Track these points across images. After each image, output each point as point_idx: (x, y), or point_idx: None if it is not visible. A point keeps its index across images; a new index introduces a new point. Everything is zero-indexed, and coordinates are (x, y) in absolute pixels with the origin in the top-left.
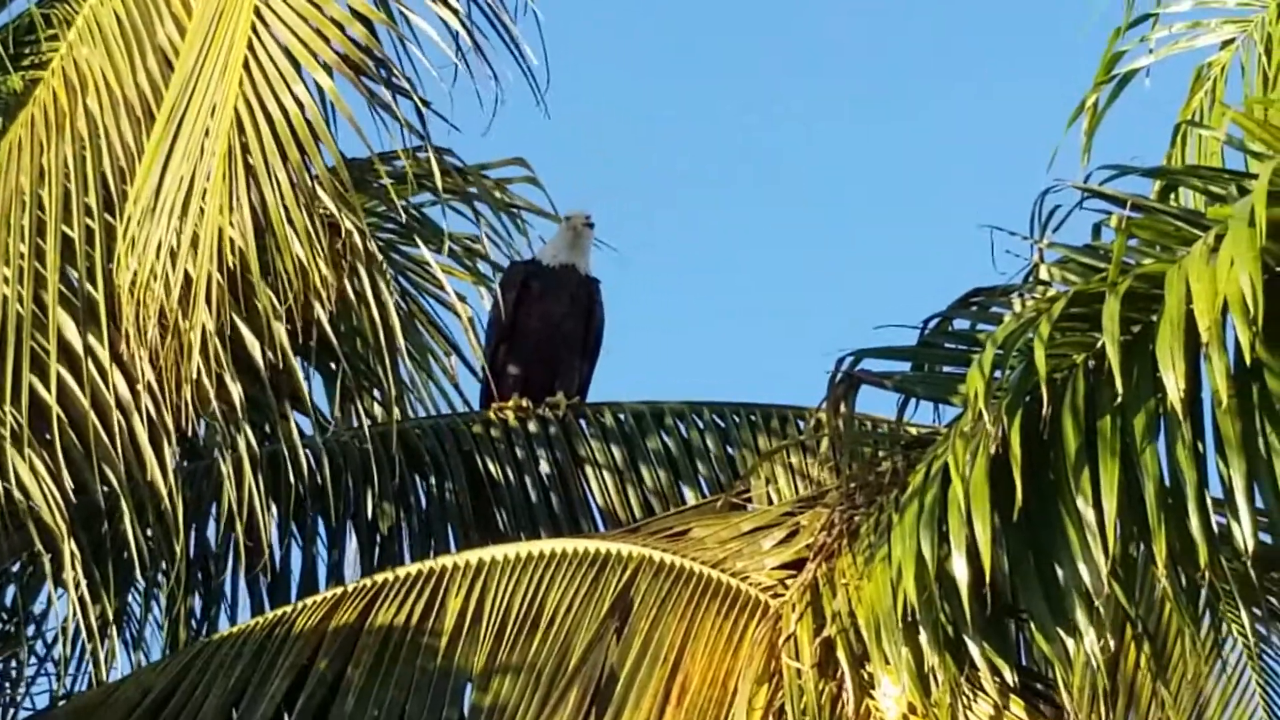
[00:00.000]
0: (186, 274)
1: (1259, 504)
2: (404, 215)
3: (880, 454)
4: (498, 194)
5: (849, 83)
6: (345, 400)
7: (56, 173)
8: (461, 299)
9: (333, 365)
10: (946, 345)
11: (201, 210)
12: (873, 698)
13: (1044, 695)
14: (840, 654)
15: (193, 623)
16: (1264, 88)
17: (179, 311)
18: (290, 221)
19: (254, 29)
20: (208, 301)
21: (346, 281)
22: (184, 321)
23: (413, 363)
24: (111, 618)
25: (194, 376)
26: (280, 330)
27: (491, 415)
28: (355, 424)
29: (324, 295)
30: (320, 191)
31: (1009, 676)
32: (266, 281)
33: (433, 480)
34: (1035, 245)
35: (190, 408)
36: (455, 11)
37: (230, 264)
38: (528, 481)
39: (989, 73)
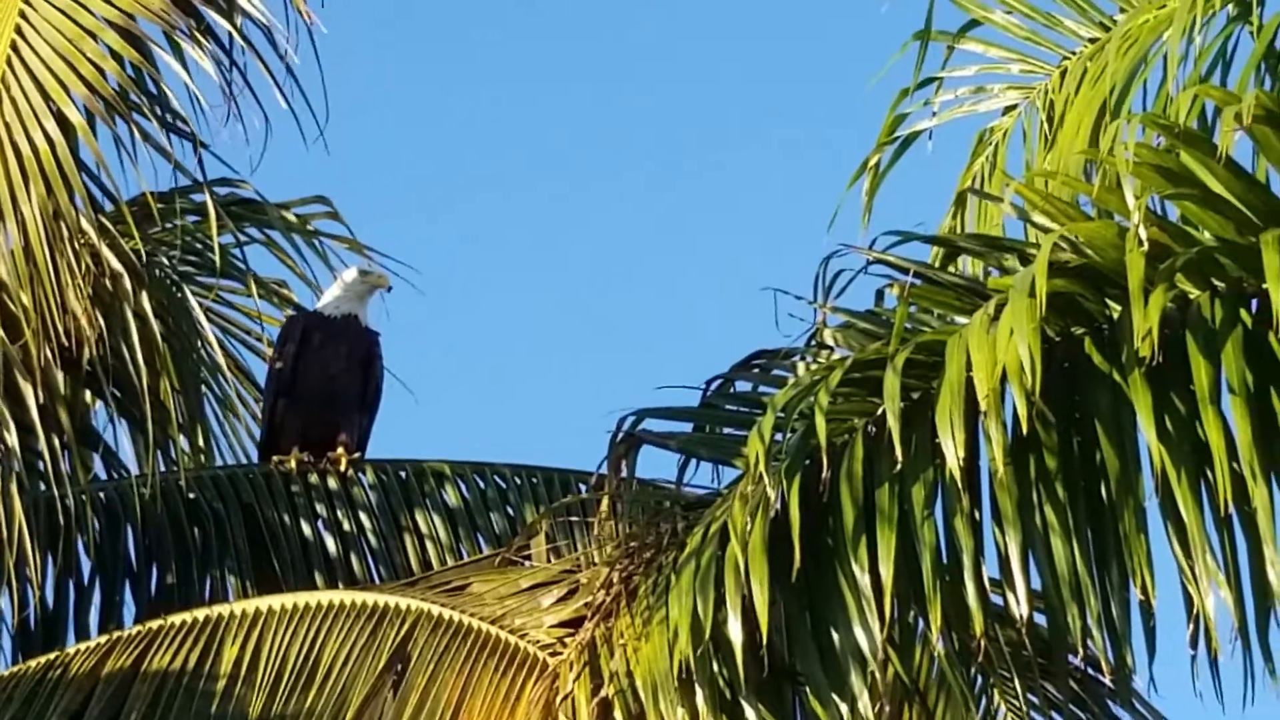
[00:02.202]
0: None
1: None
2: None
3: (660, 514)
4: (297, 227)
5: (631, 140)
6: (146, 445)
7: None
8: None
9: (119, 409)
10: (728, 407)
11: None
12: None
13: None
14: (618, 714)
15: None
16: (1045, 153)
17: None
18: (41, 259)
19: (9, 62)
20: None
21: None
22: None
23: (221, 408)
24: None
25: None
26: (58, 374)
27: (271, 468)
28: (139, 468)
29: (90, 335)
30: (88, 228)
31: None
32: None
33: (211, 529)
34: (818, 309)
35: None
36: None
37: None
38: (307, 533)
39: (775, 131)
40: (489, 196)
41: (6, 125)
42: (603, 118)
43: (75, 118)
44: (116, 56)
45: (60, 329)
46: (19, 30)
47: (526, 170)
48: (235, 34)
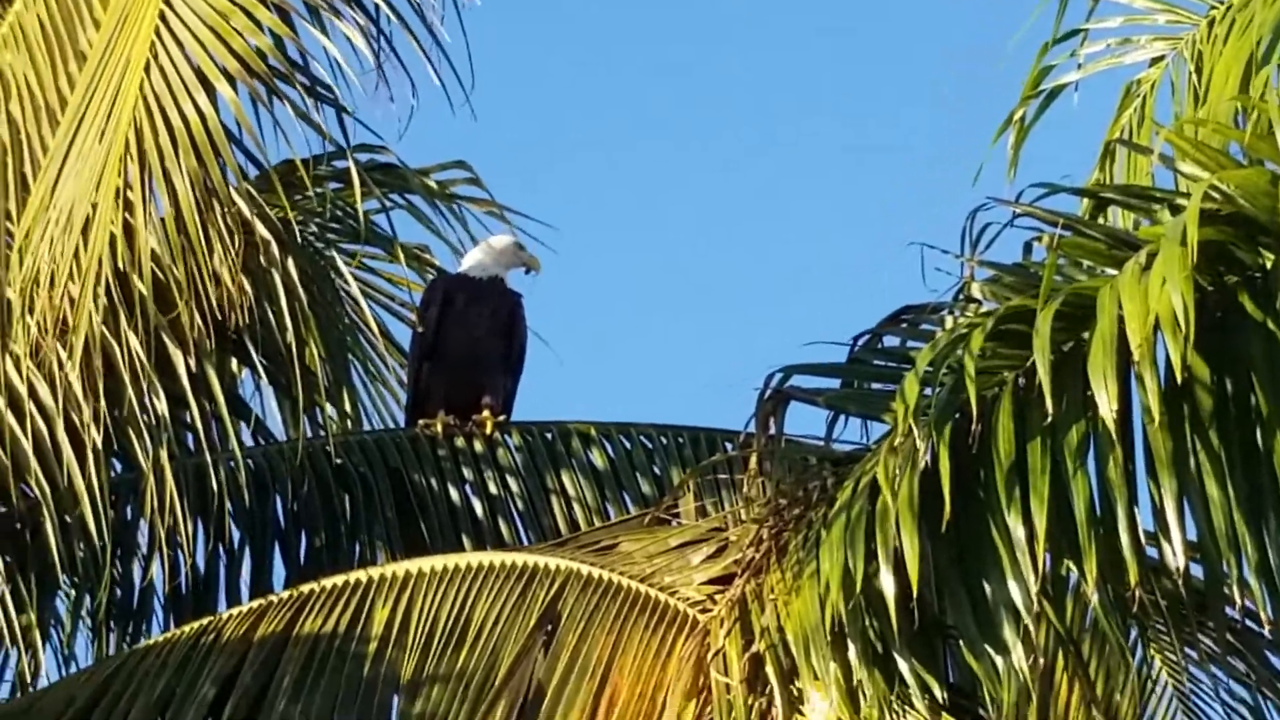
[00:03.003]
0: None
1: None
2: (358, 225)
3: (808, 470)
4: (437, 192)
5: (781, 95)
6: (293, 412)
7: None
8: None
9: (269, 377)
10: (876, 362)
11: (94, 213)
12: (802, 713)
13: (973, 712)
14: (769, 669)
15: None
16: (1194, 105)
17: (70, 311)
18: (193, 229)
19: (157, 34)
20: (128, 310)
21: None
22: (76, 325)
23: (367, 373)
24: (35, 627)
25: (81, 380)
26: (202, 342)
27: (418, 432)
28: (288, 437)
29: (240, 306)
30: (239, 201)
31: (938, 693)
32: (186, 291)
33: (360, 494)
34: (965, 263)
35: (104, 415)
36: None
37: (132, 270)
38: (454, 496)
39: (926, 84)
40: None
41: (157, 97)
42: (741, 73)
43: (225, 90)
44: (262, 27)
45: (211, 299)
46: (168, 2)
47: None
48: (382, 4)
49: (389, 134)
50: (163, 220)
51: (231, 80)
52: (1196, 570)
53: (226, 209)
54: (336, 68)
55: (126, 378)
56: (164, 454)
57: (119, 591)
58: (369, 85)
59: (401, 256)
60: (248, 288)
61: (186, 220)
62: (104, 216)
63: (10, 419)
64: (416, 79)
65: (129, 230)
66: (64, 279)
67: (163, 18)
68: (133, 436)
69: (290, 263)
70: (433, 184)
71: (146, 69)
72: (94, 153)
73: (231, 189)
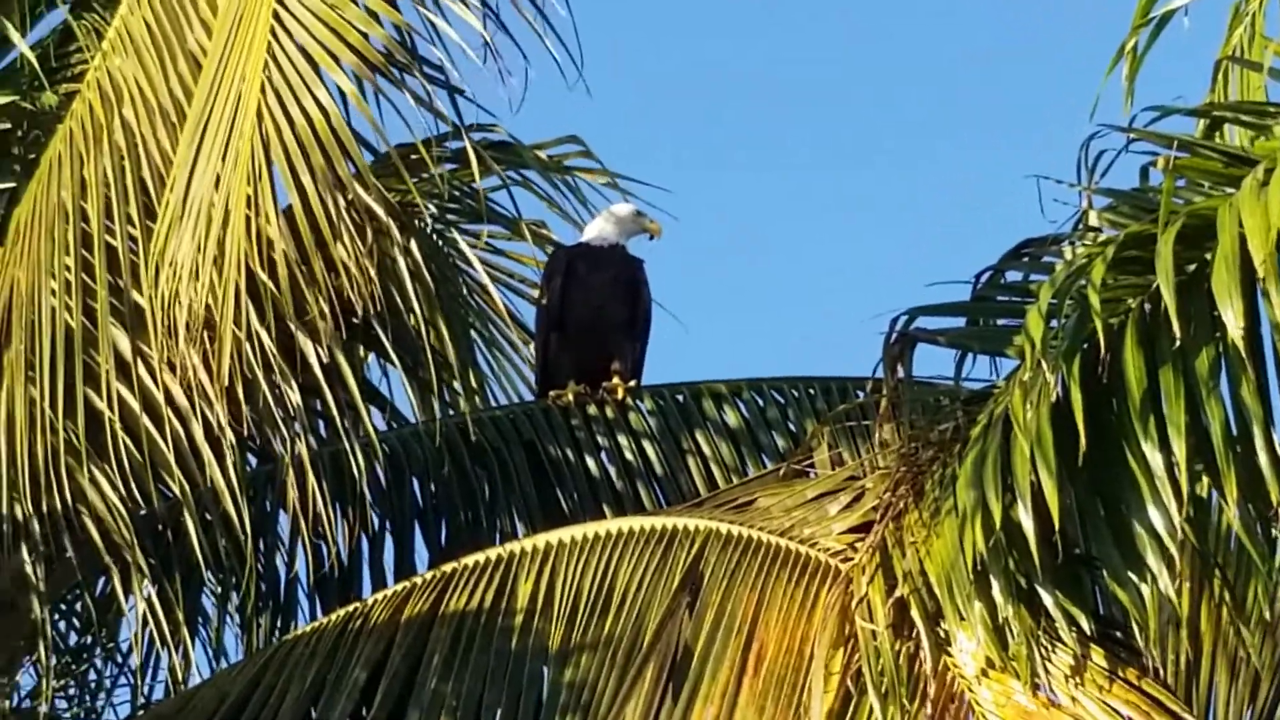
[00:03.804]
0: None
1: None
2: (465, 202)
3: (939, 411)
4: (552, 166)
5: (888, 39)
6: (421, 394)
7: (97, 185)
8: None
9: (397, 361)
10: (1000, 298)
11: (227, 215)
12: (950, 654)
13: (1123, 642)
14: (914, 613)
15: (265, 623)
16: None
17: (215, 316)
18: (321, 221)
19: (273, 33)
20: (256, 306)
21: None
22: (220, 326)
23: (491, 352)
24: (183, 624)
25: (225, 379)
26: (329, 330)
27: (549, 403)
28: (416, 419)
29: (366, 293)
30: (360, 189)
31: (1085, 624)
32: (313, 282)
33: (496, 470)
34: (1083, 192)
35: (246, 411)
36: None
37: (259, 267)
38: (590, 464)
39: (1034, 23)
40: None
41: (279, 96)
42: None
43: (343, 82)
44: (376, 17)
45: (340, 290)
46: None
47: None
48: None
49: (499, 112)
50: (289, 214)
51: (348, 70)
52: None
53: (351, 199)
54: (444, 48)
55: (260, 372)
56: (302, 445)
57: (263, 584)
58: (478, 65)
59: (527, 234)
60: (374, 274)
61: (316, 213)
62: (238, 220)
63: (146, 421)
64: (527, 57)
65: (256, 227)
66: (206, 283)
67: (276, 17)
68: (268, 430)
69: (413, 245)
70: (546, 159)
71: (265, 69)
72: (219, 157)
73: (355, 181)
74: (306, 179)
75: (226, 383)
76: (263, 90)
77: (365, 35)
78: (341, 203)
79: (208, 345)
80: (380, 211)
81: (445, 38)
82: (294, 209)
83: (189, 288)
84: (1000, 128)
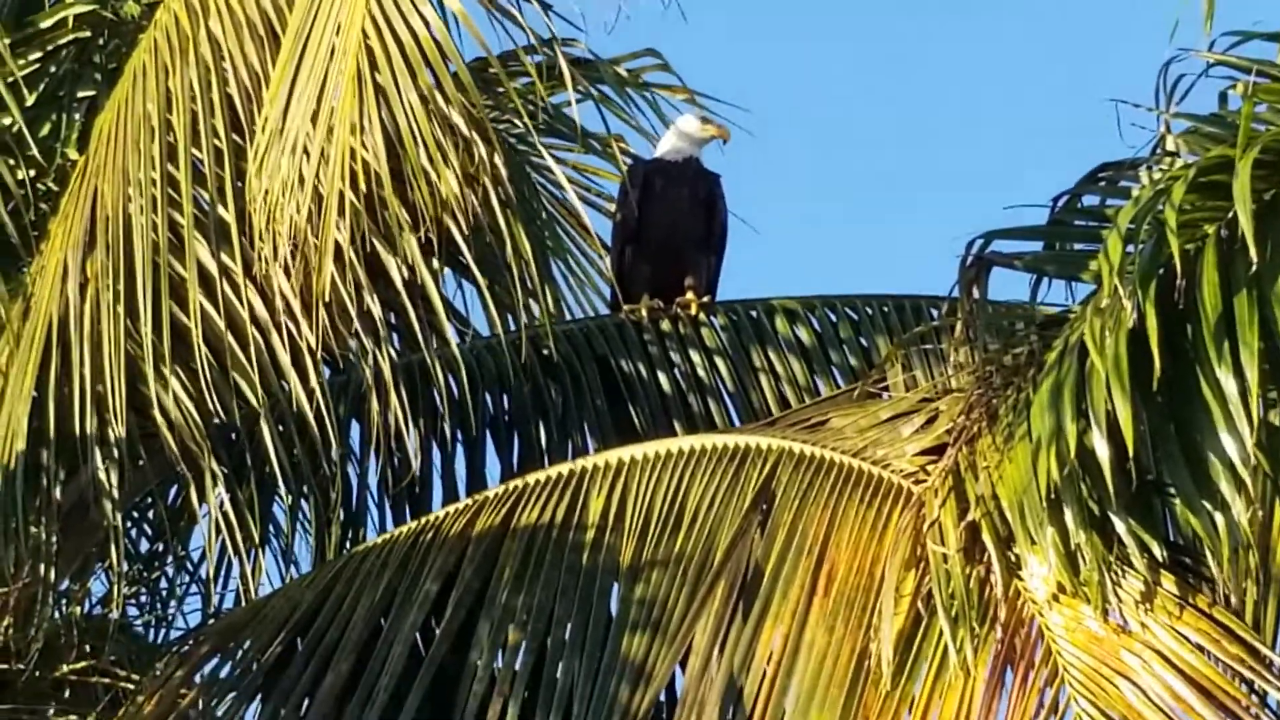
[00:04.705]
0: (317, 192)
1: None
2: (540, 117)
3: (1014, 335)
4: (629, 81)
5: (978, 23)
6: (498, 310)
7: (183, 98)
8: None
9: (476, 277)
10: (1076, 223)
11: (330, 130)
12: (1021, 579)
13: (1194, 570)
14: (986, 537)
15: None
16: None
17: (309, 229)
18: (421, 140)
19: None
20: (341, 218)
21: (480, 194)
22: (314, 239)
23: (564, 265)
24: (256, 535)
25: (325, 293)
26: (413, 245)
27: (623, 318)
28: (492, 333)
29: (456, 211)
30: (451, 113)
31: (1157, 551)
32: (400, 197)
33: (568, 385)
34: (1161, 117)
35: (330, 324)
36: None
37: (361, 183)
38: (663, 380)
39: (1124, 8)
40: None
41: (385, 13)
42: None
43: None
44: None
45: (427, 206)
46: None
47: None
48: None
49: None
50: (385, 132)
51: None
52: None
53: (445, 119)
54: None
55: (347, 287)
56: (383, 357)
57: (335, 495)
58: None
59: (616, 150)
60: (467, 195)
61: (423, 133)
62: (342, 136)
63: (227, 333)
64: None
65: (352, 144)
66: (307, 199)
67: None
68: (347, 341)
69: (498, 159)
70: (624, 73)
71: None
72: (320, 74)
73: (446, 103)
74: (413, 97)
75: (326, 299)
76: (368, 7)
77: None
78: (436, 119)
79: (290, 261)
80: (462, 124)
81: None
82: (386, 126)
83: (290, 203)
84: (1079, 50)
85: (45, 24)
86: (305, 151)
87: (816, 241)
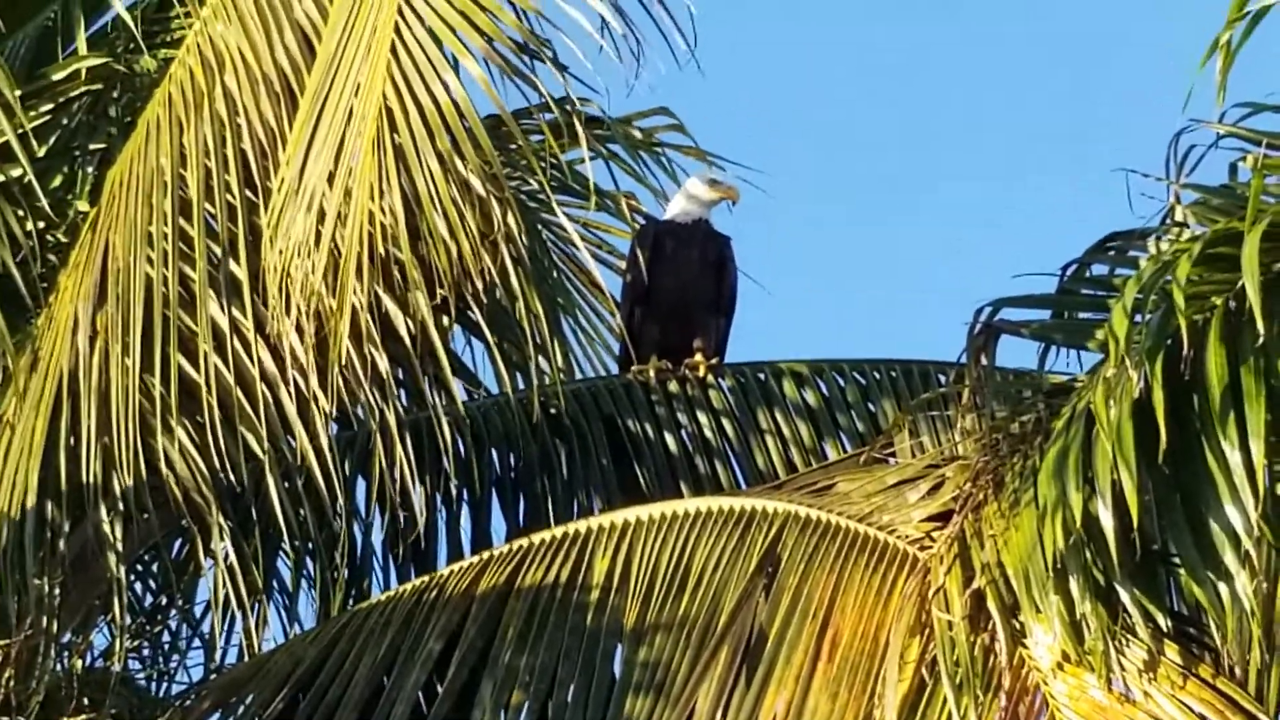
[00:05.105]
0: (332, 251)
1: None
2: (563, 175)
3: (1022, 403)
4: (641, 142)
5: (981, 28)
6: (506, 368)
7: (197, 153)
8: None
9: (485, 334)
10: (1085, 291)
11: (348, 192)
12: (1025, 647)
13: (1198, 639)
14: (991, 605)
15: (339, 591)
16: None
17: (326, 290)
18: (439, 204)
19: (400, 13)
20: (358, 278)
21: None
22: (330, 300)
23: (574, 322)
24: (260, 589)
25: (342, 356)
26: (423, 304)
27: (631, 378)
28: (498, 390)
29: (471, 271)
30: (468, 173)
31: (1161, 621)
32: (414, 253)
33: (575, 444)
34: (1171, 187)
35: (340, 383)
36: None
37: (379, 246)
38: (669, 441)
39: (1125, 13)
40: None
41: (406, 79)
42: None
43: (474, 68)
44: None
45: (439, 265)
46: None
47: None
48: None
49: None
50: (402, 191)
51: (476, 53)
52: None
53: (463, 180)
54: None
55: (356, 344)
56: (390, 414)
57: (340, 552)
58: (590, 45)
59: (625, 209)
60: (485, 256)
61: (442, 197)
62: (360, 202)
63: (235, 387)
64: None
65: (369, 206)
66: (323, 260)
67: None
68: (355, 398)
69: (510, 219)
70: (636, 132)
71: (394, 51)
72: (338, 137)
73: (466, 168)
74: (432, 162)
75: (343, 360)
76: (389, 73)
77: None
78: (454, 182)
79: (304, 318)
80: (477, 184)
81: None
82: (404, 188)
83: (305, 263)
84: (1082, 54)
85: (58, 76)
86: (321, 212)
87: (820, 244)
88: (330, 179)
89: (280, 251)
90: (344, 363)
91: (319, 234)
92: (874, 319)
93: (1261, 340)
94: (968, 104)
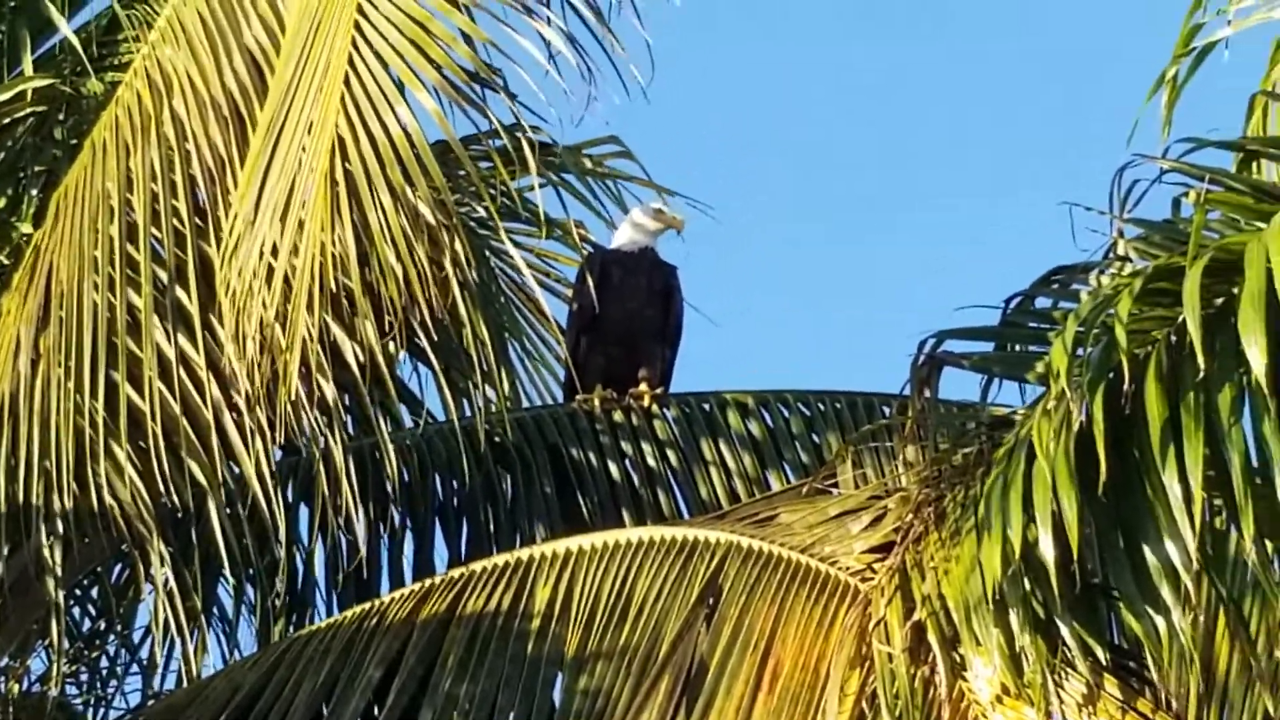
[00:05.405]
0: (286, 282)
1: None
2: (513, 201)
3: (964, 435)
4: (593, 167)
5: (925, 59)
6: (453, 395)
7: (144, 177)
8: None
9: (432, 361)
10: (1029, 324)
11: (301, 224)
12: (965, 680)
13: (1138, 673)
14: (931, 637)
15: (280, 618)
16: None
17: (277, 323)
18: (390, 236)
19: (355, 45)
20: (308, 311)
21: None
22: (282, 336)
23: (520, 348)
24: (200, 615)
25: (292, 392)
26: (371, 332)
27: (576, 407)
28: (442, 417)
29: (421, 300)
30: (419, 203)
31: (1101, 655)
32: (362, 281)
33: (519, 472)
34: (1115, 222)
35: (287, 411)
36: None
37: (330, 278)
38: (613, 470)
39: (1070, 49)
40: (769, 113)
41: (359, 110)
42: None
43: (428, 101)
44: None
45: (390, 294)
46: (363, 13)
47: (810, 76)
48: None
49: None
50: (353, 222)
51: (428, 84)
52: None
53: (414, 211)
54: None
55: (295, 369)
56: (335, 441)
57: (281, 578)
58: (541, 73)
59: (575, 236)
60: (433, 284)
61: (392, 226)
62: (314, 234)
63: (175, 406)
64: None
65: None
66: (276, 292)
67: (358, 28)
68: (300, 424)
69: (459, 247)
70: (587, 161)
71: (347, 82)
72: (292, 170)
73: (416, 198)
74: (385, 197)
75: (294, 393)
76: (343, 104)
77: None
78: (405, 213)
79: (254, 348)
80: (427, 212)
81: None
82: (354, 219)
83: (258, 296)
84: (1067, 72)
85: (3, 97)
86: (275, 246)
87: (798, 262)
88: (284, 213)
89: (231, 285)
90: (294, 396)
91: (271, 266)
92: (852, 338)
93: (1202, 375)
94: (950, 123)
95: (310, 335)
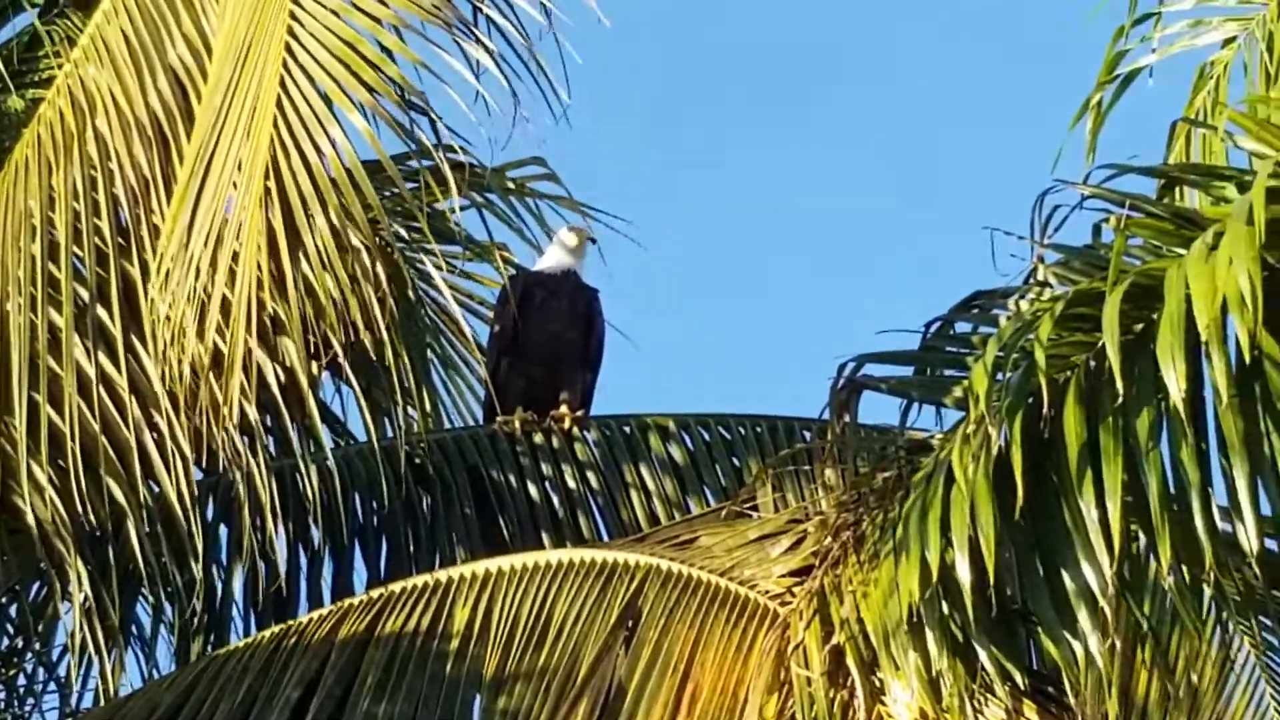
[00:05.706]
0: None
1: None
2: (439, 221)
3: (884, 459)
4: (514, 190)
5: (855, 86)
6: (373, 415)
7: (66, 195)
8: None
9: (353, 382)
10: (948, 349)
11: (235, 253)
12: (884, 704)
13: (1057, 699)
14: (850, 661)
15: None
16: (1266, 85)
17: (202, 348)
18: (324, 260)
19: (286, 68)
20: (249, 334)
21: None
22: (204, 355)
23: (447, 372)
24: (118, 634)
25: (234, 413)
26: (293, 352)
27: (496, 429)
28: (363, 437)
29: (345, 320)
30: (350, 229)
31: (1019, 679)
32: (284, 300)
33: (439, 493)
34: (1035, 247)
35: (208, 430)
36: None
37: (266, 303)
38: (533, 492)
39: (993, 74)
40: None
41: (292, 134)
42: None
43: (359, 122)
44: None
45: (311, 314)
46: (293, 34)
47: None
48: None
49: (471, 136)
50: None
51: (358, 102)
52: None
53: (337, 230)
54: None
55: (236, 394)
56: (254, 460)
57: (199, 597)
58: (467, 94)
59: (498, 260)
60: (354, 304)
61: (326, 248)
62: (249, 259)
63: (95, 425)
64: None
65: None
66: (213, 315)
67: (289, 49)
68: (219, 444)
69: (379, 268)
70: (510, 182)
71: (279, 105)
72: (224, 194)
73: (346, 225)
74: (320, 219)
75: (236, 417)
76: (276, 128)
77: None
78: (323, 230)
79: (174, 368)
80: (349, 234)
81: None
82: (288, 240)
83: (193, 319)
84: (957, 179)
85: None
86: (211, 267)
87: (693, 356)
88: (219, 239)
89: (163, 314)
90: (209, 409)
91: (205, 291)
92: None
93: (1120, 400)
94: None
95: (236, 358)
